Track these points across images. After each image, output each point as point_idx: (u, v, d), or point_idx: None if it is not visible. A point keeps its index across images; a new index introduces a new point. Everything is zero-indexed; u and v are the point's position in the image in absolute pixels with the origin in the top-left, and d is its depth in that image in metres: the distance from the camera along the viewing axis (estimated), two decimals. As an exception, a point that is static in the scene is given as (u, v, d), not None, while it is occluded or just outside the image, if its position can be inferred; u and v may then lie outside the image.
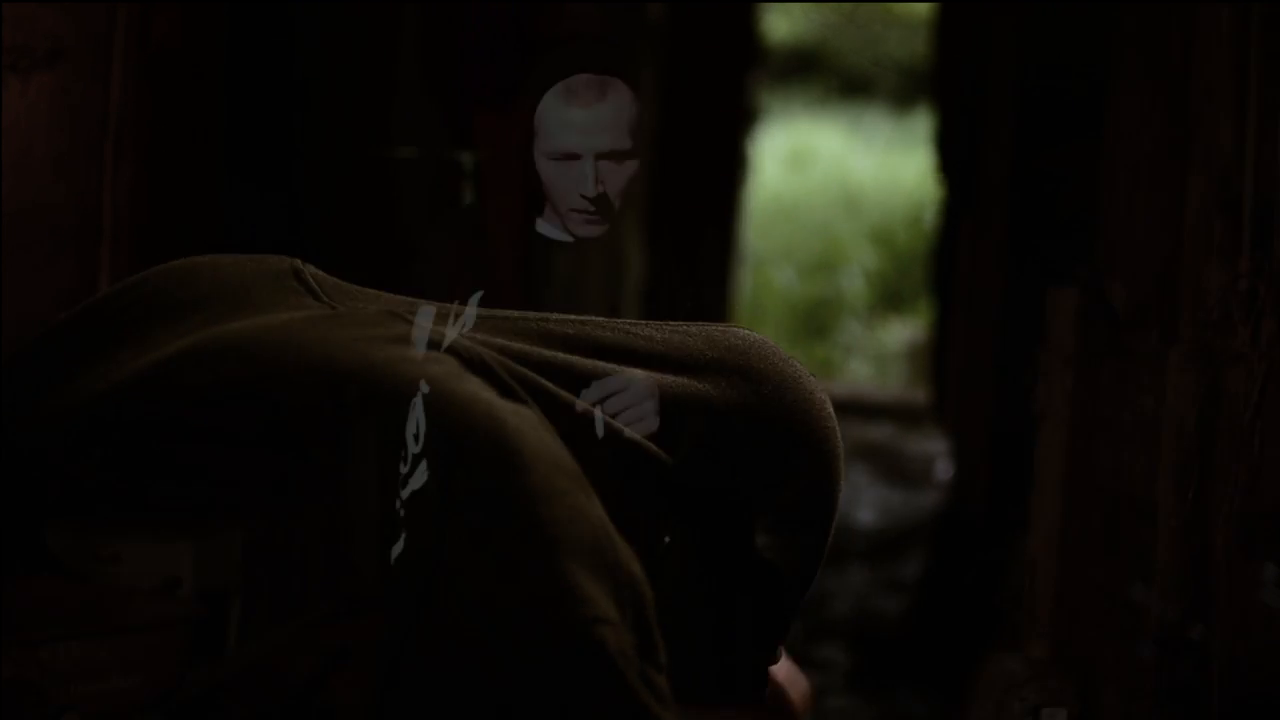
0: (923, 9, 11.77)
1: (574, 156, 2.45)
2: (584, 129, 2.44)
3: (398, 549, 2.60)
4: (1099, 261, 4.16)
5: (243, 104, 6.02)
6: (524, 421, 2.38)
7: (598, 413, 2.48)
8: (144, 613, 4.01)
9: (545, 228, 2.63)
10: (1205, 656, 3.25)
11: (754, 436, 2.55)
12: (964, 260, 5.78)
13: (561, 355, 2.44)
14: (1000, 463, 6.03)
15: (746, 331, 2.59)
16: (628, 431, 2.44)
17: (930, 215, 11.48)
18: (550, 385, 2.44)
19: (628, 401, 2.48)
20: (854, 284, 14.96)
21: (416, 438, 2.49)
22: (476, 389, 2.39)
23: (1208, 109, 3.46)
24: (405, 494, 2.55)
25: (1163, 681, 3.42)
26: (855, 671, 5.81)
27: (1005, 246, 5.67)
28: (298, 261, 2.59)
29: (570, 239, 2.59)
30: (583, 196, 2.47)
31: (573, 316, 2.50)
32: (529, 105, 2.47)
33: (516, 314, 2.51)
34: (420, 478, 2.51)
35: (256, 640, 4.57)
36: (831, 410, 2.59)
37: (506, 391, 2.42)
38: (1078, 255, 4.31)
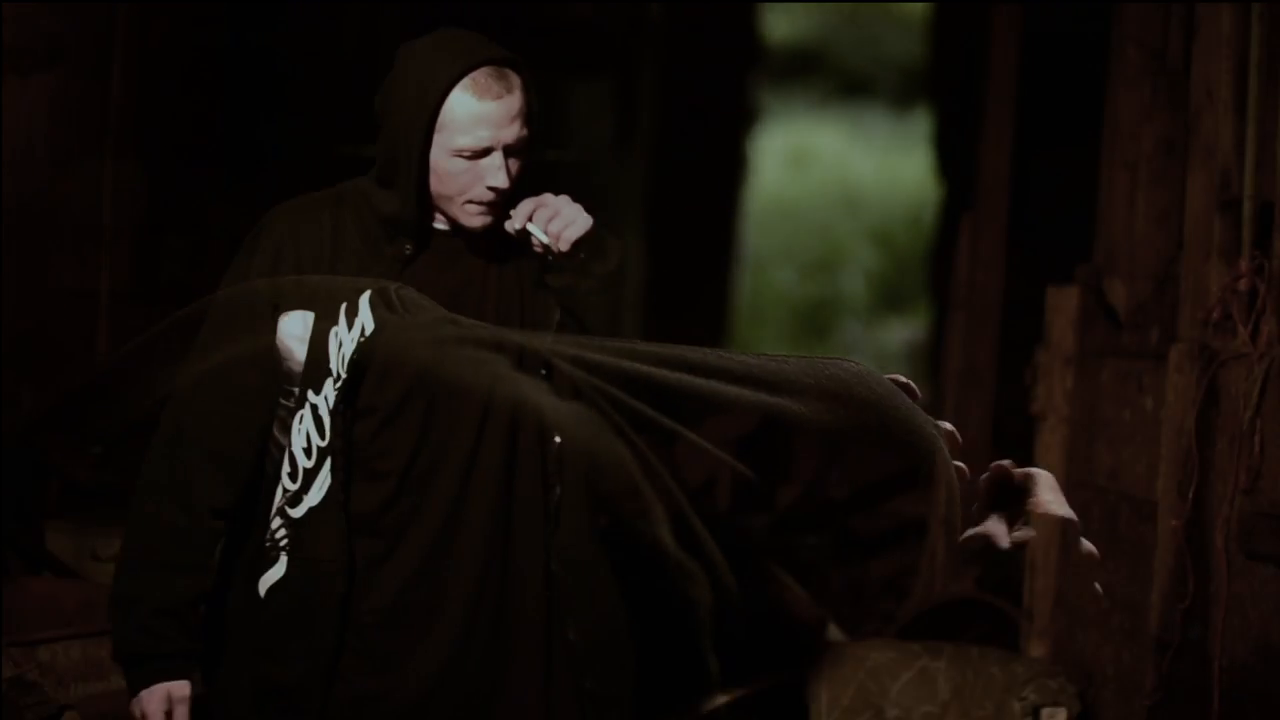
0: (922, 9, 11.76)
1: (486, 151, 2.38)
2: (495, 122, 2.37)
3: (273, 577, 2.42)
4: (1099, 261, 4.16)
5: (241, 104, 6.02)
6: (581, 427, 2.29)
7: (533, 228, 2.40)
8: (144, 613, 4.01)
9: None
10: (1205, 656, 3.25)
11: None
12: (964, 260, 5.77)
13: (642, 367, 2.35)
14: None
15: (851, 362, 2.50)
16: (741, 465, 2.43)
17: (930, 215, 11.46)
18: (615, 390, 2.32)
19: (553, 210, 2.42)
20: (854, 284, 14.95)
21: (308, 451, 2.39)
22: (528, 390, 2.28)
23: (1208, 109, 3.46)
24: (297, 512, 2.40)
25: (1162, 681, 3.42)
26: (854, 670, 5.80)
27: (1005, 246, 5.67)
28: (390, 284, 2.39)
29: (447, 228, 2.46)
30: (490, 189, 2.39)
31: (662, 344, 2.41)
32: (431, 104, 2.37)
33: (604, 338, 2.41)
34: (317, 493, 2.38)
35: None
36: (947, 455, 2.50)
37: (562, 386, 2.31)
38: (1078, 255, 4.31)
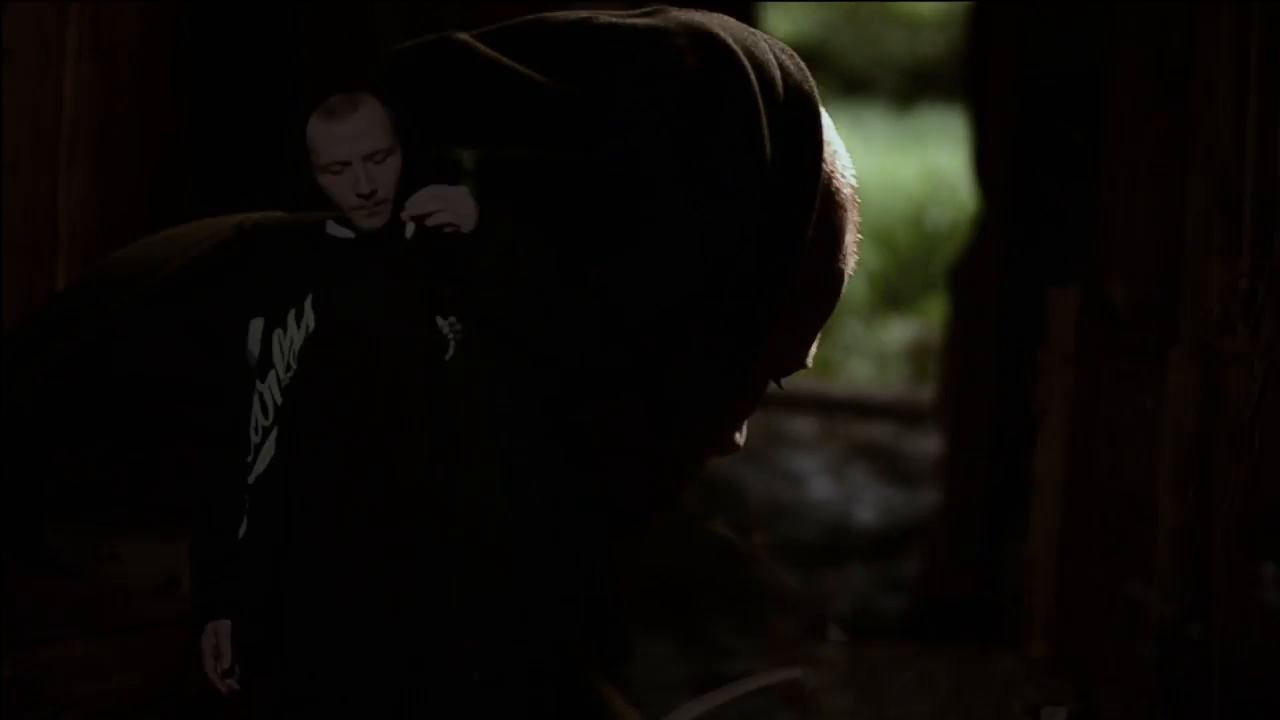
0: (923, 8, 11.78)
1: (344, 164, 2.72)
2: (347, 138, 2.72)
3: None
4: (1099, 261, 4.16)
5: (209, 106, 5.99)
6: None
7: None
8: (144, 613, 4.01)
9: (333, 228, 2.84)
10: (1205, 656, 3.25)
11: None
12: (964, 259, 5.79)
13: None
14: (1000, 462, 6.03)
15: None
16: None
17: (927, 215, 11.49)
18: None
19: (432, 196, 2.73)
20: (854, 284, 14.94)
21: (255, 429, 2.72)
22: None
23: (1208, 109, 3.46)
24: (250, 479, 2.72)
25: (1162, 681, 3.42)
26: (854, 670, 5.80)
27: (1005, 246, 5.67)
28: (254, 215, 2.87)
29: (352, 235, 2.80)
30: (358, 195, 2.72)
31: None
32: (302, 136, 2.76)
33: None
34: (261, 464, 2.71)
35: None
36: None
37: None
38: (1078, 255, 4.31)
